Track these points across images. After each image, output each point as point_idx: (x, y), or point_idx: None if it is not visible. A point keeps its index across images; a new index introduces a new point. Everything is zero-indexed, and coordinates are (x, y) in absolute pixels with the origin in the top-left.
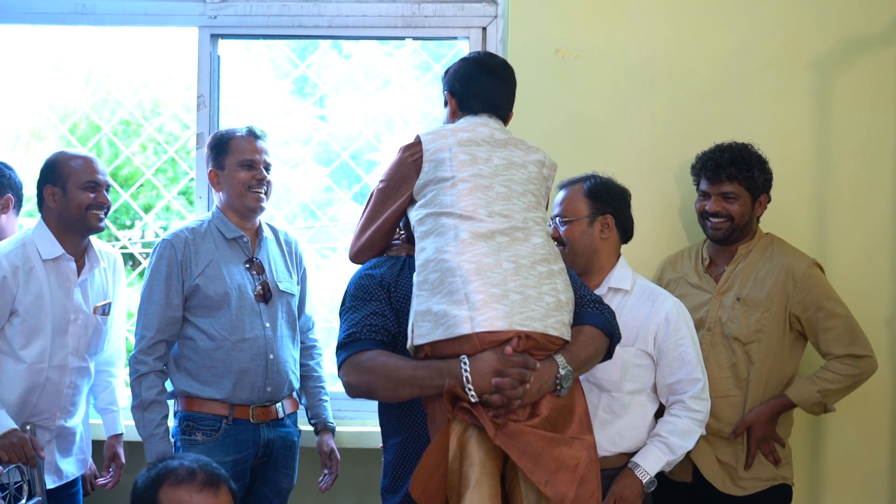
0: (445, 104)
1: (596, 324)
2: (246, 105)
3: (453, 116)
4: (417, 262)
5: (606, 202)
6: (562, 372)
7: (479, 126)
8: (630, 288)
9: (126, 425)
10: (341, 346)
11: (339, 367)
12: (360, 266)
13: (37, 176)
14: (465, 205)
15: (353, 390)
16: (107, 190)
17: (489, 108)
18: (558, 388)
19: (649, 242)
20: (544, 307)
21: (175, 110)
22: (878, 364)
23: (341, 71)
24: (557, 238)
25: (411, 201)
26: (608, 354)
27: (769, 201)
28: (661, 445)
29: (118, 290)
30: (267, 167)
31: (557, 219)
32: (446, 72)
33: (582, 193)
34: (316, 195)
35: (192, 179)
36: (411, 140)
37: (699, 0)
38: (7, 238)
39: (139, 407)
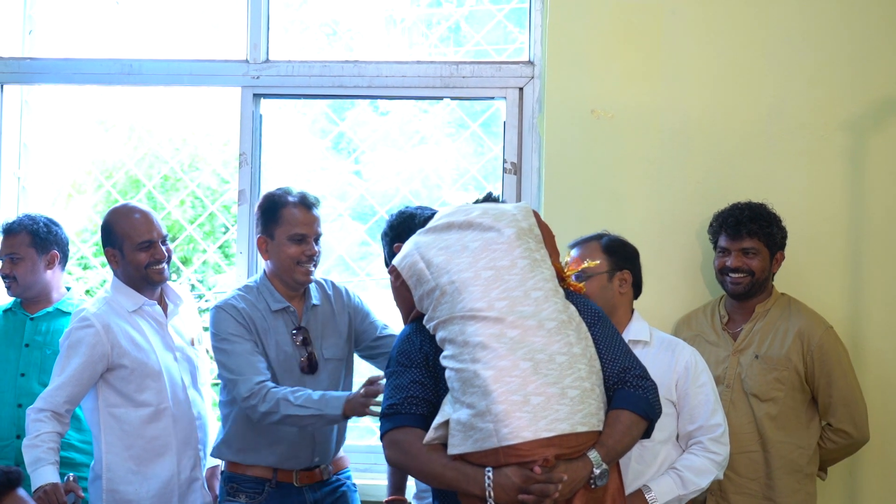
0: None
1: (636, 409)
2: (285, 161)
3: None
4: (444, 366)
5: (624, 258)
6: (596, 471)
7: (436, 222)
8: (649, 339)
9: None
10: (384, 416)
11: (382, 437)
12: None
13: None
14: (463, 305)
15: (392, 463)
16: (163, 242)
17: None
18: (593, 484)
19: (681, 300)
20: (569, 403)
21: (214, 166)
22: (869, 437)
23: (377, 127)
24: (579, 291)
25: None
26: (646, 434)
27: (783, 259)
28: (676, 478)
29: (198, 322)
30: (317, 239)
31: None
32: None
33: (600, 249)
34: (352, 250)
35: (231, 235)
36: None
37: (733, 62)
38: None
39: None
